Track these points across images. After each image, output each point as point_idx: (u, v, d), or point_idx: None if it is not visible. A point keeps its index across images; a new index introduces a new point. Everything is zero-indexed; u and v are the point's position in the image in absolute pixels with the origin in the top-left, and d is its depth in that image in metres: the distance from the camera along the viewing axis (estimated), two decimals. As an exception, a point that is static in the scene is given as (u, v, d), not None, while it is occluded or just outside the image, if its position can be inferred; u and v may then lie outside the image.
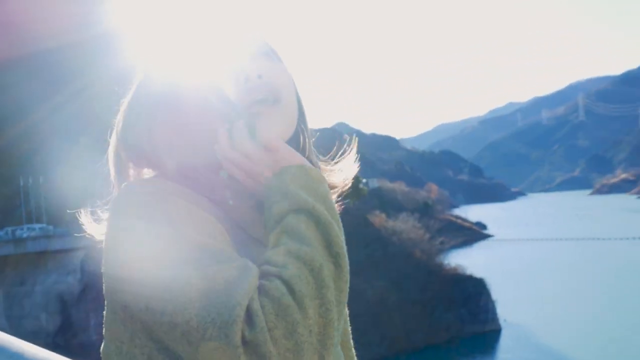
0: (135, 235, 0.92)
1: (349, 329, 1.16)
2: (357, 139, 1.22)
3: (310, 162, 1.16)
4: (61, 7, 48.25)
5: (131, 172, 1.11)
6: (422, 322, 49.57)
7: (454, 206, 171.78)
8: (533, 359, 44.34)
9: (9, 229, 41.11)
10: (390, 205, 74.16)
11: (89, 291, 37.58)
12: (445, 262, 59.31)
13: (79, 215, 1.12)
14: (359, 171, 1.23)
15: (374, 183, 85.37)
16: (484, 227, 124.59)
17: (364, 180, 71.03)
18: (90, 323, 37.13)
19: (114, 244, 0.95)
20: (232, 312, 0.81)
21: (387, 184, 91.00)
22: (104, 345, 1.00)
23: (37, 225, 40.95)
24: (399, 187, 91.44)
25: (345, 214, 1.15)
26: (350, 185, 1.23)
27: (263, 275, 0.88)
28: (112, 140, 1.11)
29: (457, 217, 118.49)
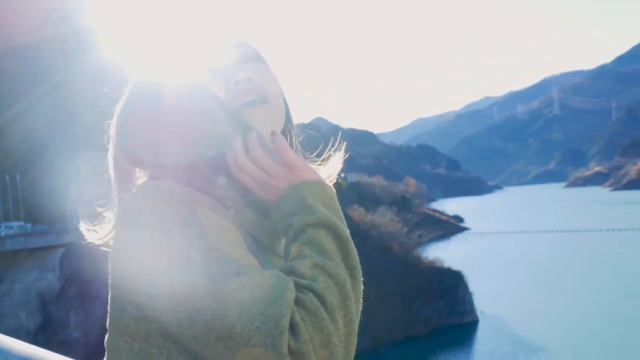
0: (168, 246, 0.93)
1: None
2: (345, 143, 1.27)
3: None
4: (36, 2, 47.66)
5: (132, 176, 1.14)
6: (401, 315, 50.05)
7: (432, 200, 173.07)
8: (510, 350, 44.97)
9: (-13, 228, 40.68)
10: (369, 199, 74.44)
11: (69, 288, 37.40)
12: (423, 255, 59.89)
13: (78, 222, 1.17)
14: None
15: (353, 177, 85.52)
16: (461, 220, 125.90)
17: (343, 175, 71.12)
18: (70, 320, 36.97)
19: (140, 250, 0.96)
20: (279, 323, 0.85)
21: (366, 178, 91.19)
22: (109, 339, 1.01)
23: (15, 223, 40.50)
24: (377, 181, 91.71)
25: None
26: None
27: (295, 287, 0.92)
28: (110, 146, 1.13)
29: (435, 210, 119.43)
